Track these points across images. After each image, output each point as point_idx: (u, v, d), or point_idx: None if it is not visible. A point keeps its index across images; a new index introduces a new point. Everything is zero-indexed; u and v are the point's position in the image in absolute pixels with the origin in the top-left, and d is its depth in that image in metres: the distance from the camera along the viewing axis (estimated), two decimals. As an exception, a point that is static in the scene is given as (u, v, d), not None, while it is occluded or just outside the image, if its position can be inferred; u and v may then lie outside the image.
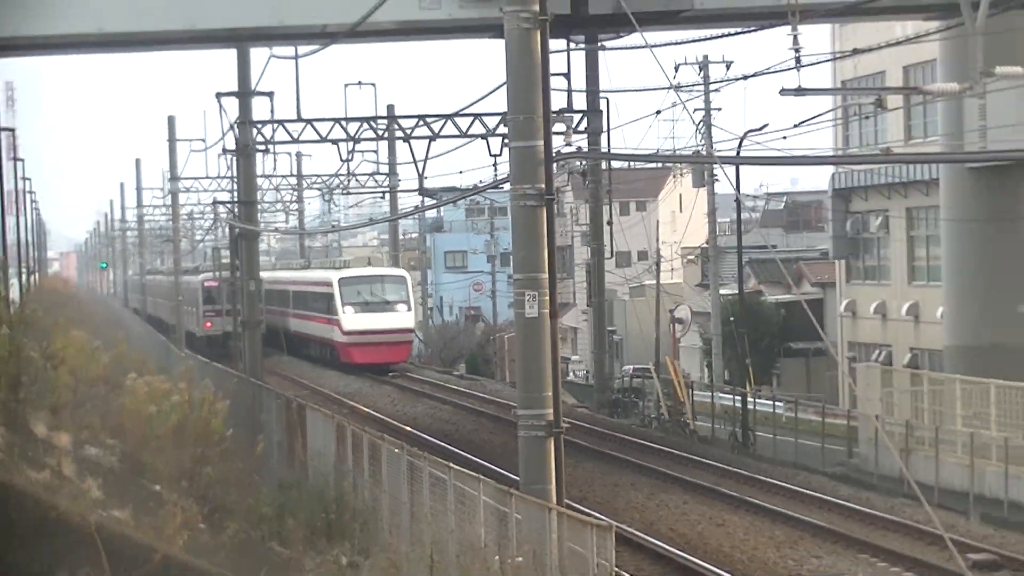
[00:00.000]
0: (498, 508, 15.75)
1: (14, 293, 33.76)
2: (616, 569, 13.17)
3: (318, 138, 35.47)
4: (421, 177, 34.56)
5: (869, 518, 24.39)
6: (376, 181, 52.44)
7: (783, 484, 27.78)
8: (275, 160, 44.73)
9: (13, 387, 21.51)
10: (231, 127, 35.68)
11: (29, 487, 13.45)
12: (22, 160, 46.62)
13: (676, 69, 41.08)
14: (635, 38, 28.02)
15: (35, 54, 32.98)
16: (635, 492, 27.07)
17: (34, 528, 10.44)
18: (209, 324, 55.24)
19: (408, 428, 32.51)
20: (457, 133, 34.46)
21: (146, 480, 21.60)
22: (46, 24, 25.94)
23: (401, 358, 49.23)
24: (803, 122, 28.45)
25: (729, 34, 26.97)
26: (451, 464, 18.25)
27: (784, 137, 30.66)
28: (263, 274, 45.10)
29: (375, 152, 44.49)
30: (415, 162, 34.55)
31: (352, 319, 45.94)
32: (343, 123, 35.58)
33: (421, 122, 34.65)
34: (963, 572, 18.17)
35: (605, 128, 34.26)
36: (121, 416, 24.28)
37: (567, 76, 31.02)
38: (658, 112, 38.63)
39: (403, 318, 47.86)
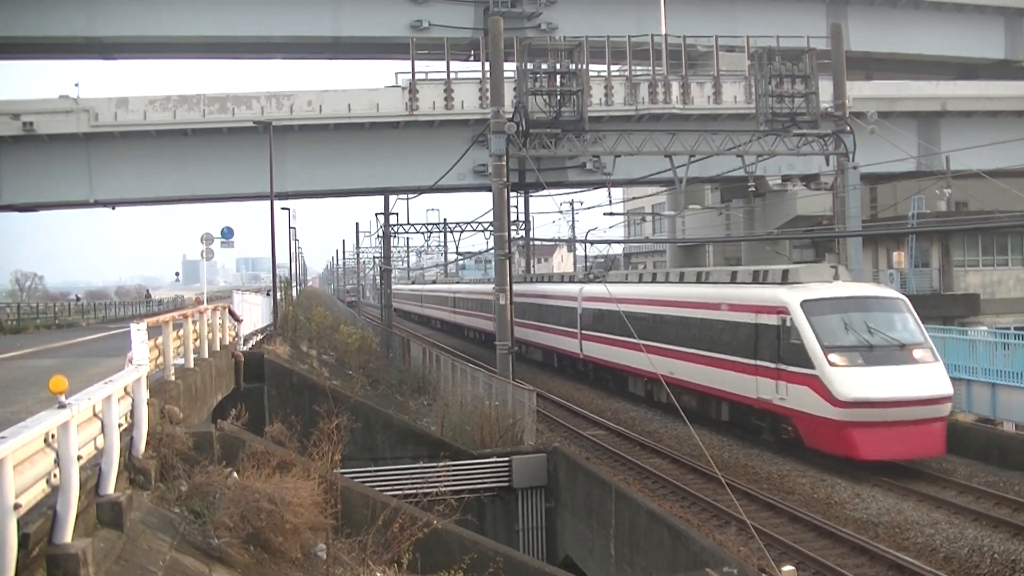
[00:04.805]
0: (488, 382, 23.56)
1: (294, 294, 63.55)
2: (536, 408, 20.48)
3: (415, 232, 63.23)
4: (457, 245, 64.73)
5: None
6: (439, 248, 78.38)
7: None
8: (398, 239, 68.65)
9: (293, 330, 38.94)
10: (380, 226, 59.54)
11: (300, 371, 22.83)
12: (294, 228, 70.68)
13: (561, 203, 64.70)
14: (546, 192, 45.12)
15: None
16: (543, 376, 37.30)
17: (303, 387, 19.63)
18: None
19: (447, 348, 44.05)
20: (472, 229, 59.88)
21: (346, 368, 35.61)
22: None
23: (936, 450, 19.62)
24: (612, 226, 58.47)
25: (584, 190, 45.93)
26: (469, 363, 28.38)
27: (604, 232, 70.67)
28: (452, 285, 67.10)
29: (441, 234, 64.46)
30: (456, 241, 63.73)
31: (855, 380, 19.23)
32: (426, 225, 63.14)
33: (457, 225, 61.33)
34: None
35: (532, 227, 55.22)
36: (337, 342, 41.32)
37: (516, 208, 50.37)
38: (554, 221, 76.95)
39: (934, 375, 19.86)
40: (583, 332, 34.07)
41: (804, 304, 20.48)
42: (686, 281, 27.79)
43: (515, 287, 40.43)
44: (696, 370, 24.69)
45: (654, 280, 30.90)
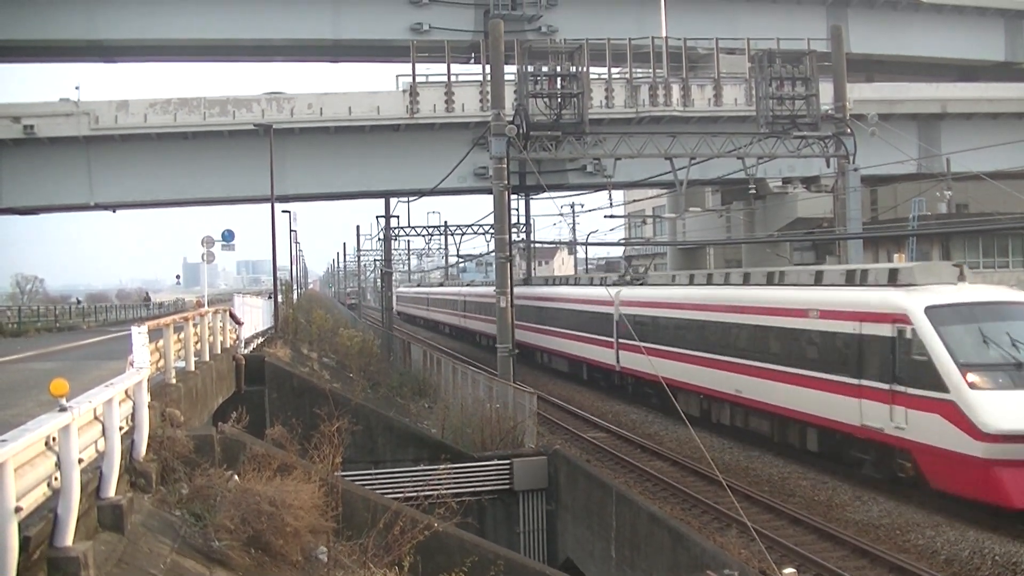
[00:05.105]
0: (489, 385, 23.69)
1: (295, 297, 61.88)
2: (536, 410, 20.61)
3: (415, 235, 62.66)
4: (458, 248, 62.29)
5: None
6: (439, 251, 76.72)
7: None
8: (399, 241, 67.30)
9: (294, 333, 38.60)
10: (381, 228, 59.55)
11: (301, 373, 23.05)
12: (295, 231, 68.83)
13: (562, 206, 65.13)
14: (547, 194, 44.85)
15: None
16: (544, 378, 38.04)
17: (304, 390, 19.59)
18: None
19: (450, 351, 44.65)
20: (473, 232, 59.14)
21: (347, 371, 35.47)
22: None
23: None
24: (613, 228, 55.70)
25: (584, 193, 46.47)
26: (470, 366, 28.80)
27: (604, 234, 66.96)
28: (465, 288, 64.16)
29: (442, 237, 63.91)
30: (456, 244, 61.90)
31: (1004, 407, 15.35)
32: (426, 228, 62.32)
33: (458, 228, 60.55)
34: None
35: (533, 230, 56.00)
36: (337, 344, 41.33)
37: (516, 211, 51.50)
38: (555, 223, 73.00)
39: None
40: (620, 341, 29.85)
41: (930, 311, 16.67)
42: (753, 283, 23.77)
43: (537, 290, 40.95)
44: (772, 388, 21.11)
45: (709, 282, 26.58)
